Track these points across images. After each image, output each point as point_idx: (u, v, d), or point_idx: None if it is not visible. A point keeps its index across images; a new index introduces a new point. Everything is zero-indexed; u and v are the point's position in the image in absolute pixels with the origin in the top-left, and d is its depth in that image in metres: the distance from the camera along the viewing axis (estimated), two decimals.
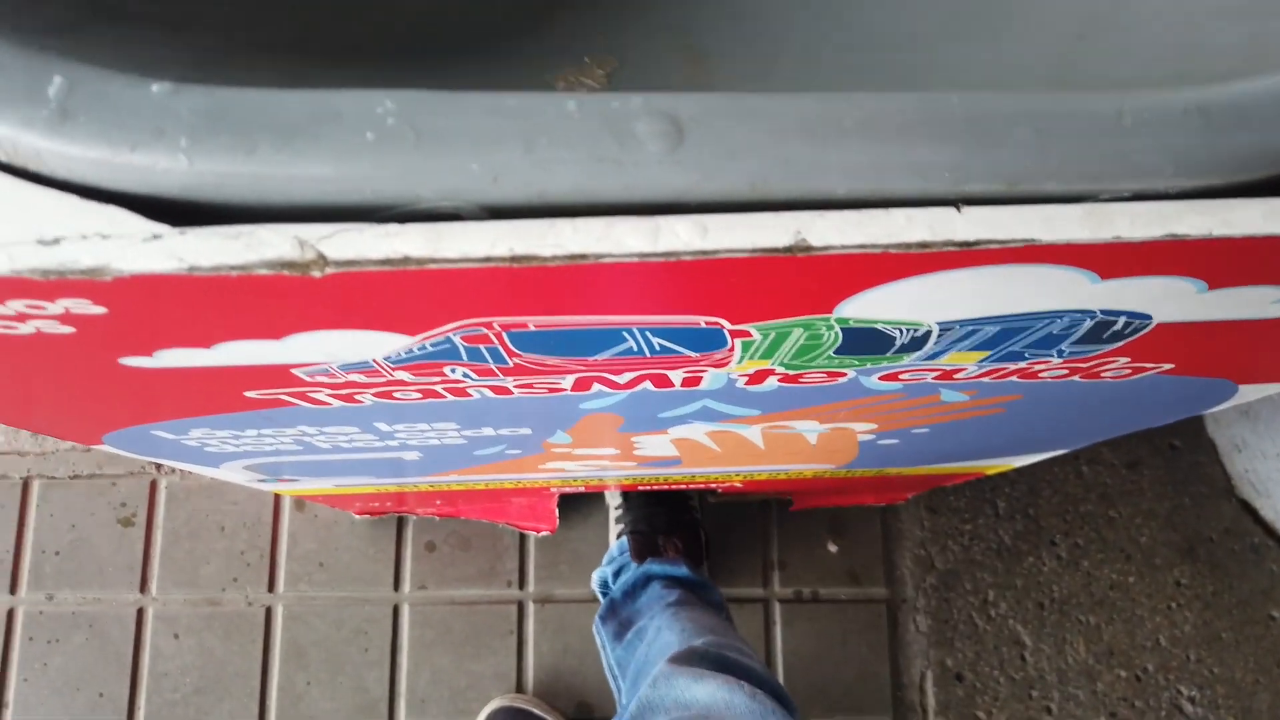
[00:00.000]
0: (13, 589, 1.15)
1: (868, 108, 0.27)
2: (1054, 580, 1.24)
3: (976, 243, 0.28)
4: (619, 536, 1.08)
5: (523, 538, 1.20)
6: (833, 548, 1.23)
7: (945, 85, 0.40)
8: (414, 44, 0.40)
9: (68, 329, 0.31)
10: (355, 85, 0.36)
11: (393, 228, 0.27)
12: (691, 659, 0.74)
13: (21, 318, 0.30)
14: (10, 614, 1.14)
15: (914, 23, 0.43)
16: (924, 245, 0.28)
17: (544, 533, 1.18)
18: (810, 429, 0.64)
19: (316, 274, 0.27)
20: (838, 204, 0.28)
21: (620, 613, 0.95)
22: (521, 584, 1.18)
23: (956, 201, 0.28)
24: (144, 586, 1.15)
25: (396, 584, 1.17)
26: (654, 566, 0.97)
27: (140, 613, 1.14)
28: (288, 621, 1.15)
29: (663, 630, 0.84)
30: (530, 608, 1.17)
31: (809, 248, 0.27)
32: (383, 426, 0.55)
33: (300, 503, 1.18)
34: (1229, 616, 1.24)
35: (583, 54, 0.41)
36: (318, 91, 0.27)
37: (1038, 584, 1.24)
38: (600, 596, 1.04)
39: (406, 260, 0.27)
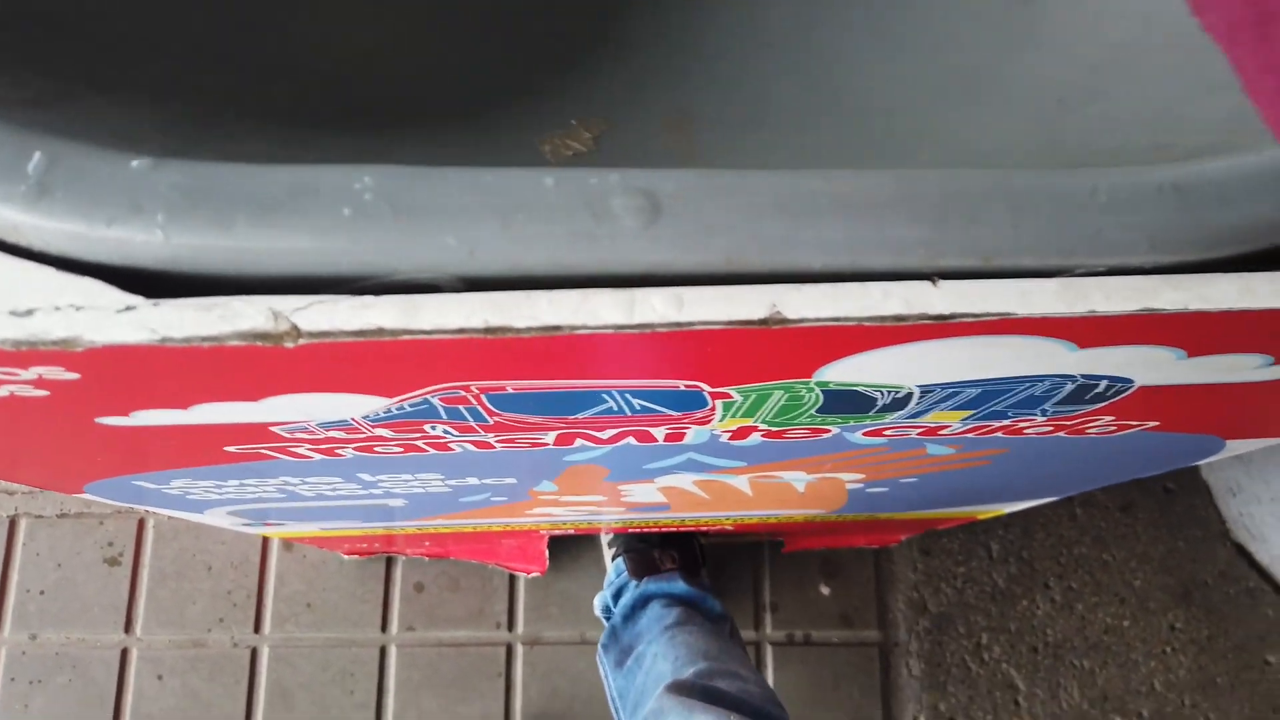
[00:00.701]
0: None
1: (842, 185, 0.27)
2: (1048, 624, 1.23)
3: (952, 316, 0.28)
4: (614, 558, 1.08)
5: (512, 579, 1.19)
6: (825, 590, 1.22)
7: (928, 151, 0.40)
8: (403, 109, 0.40)
9: (41, 392, 0.31)
10: (345, 152, 0.36)
11: (367, 300, 0.27)
12: (681, 691, 0.74)
13: None
14: None
15: (897, 90, 0.43)
16: (899, 319, 0.28)
17: (534, 574, 1.17)
18: (798, 478, 0.64)
19: (290, 344, 0.27)
20: (813, 277, 0.28)
21: (621, 639, 0.95)
22: (510, 626, 1.17)
23: (932, 275, 0.28)
24: (129, 627, 1.14)
25: (384, 625, 1.16)
26: (651, 586, 0.97)
27: (124, 653, 1.13)
28: (273, 663, 1.13)
29: (659, 658, 0.84)
30: (519, 650, 1.16)
31: (784, 320, 0.27)
32: (366, 477, 0.54)
33: (288, 543, 1.17)
34: (1224, 661, 1.23)
35: (570, 117, 0.42)
36: (295, 166, 0.27)
37: (1031, 628, 1.23)
38: (603, 620, 1.04)
39: (380, 331, 0.27)
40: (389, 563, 1.18)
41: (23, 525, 1.17)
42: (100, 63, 0.34)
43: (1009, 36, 0.43)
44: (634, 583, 0.99)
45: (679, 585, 0.98)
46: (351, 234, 0.26)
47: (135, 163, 0.26)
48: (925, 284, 0.28)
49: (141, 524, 1.18)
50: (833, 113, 0.44)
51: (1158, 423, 0.47)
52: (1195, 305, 0.28)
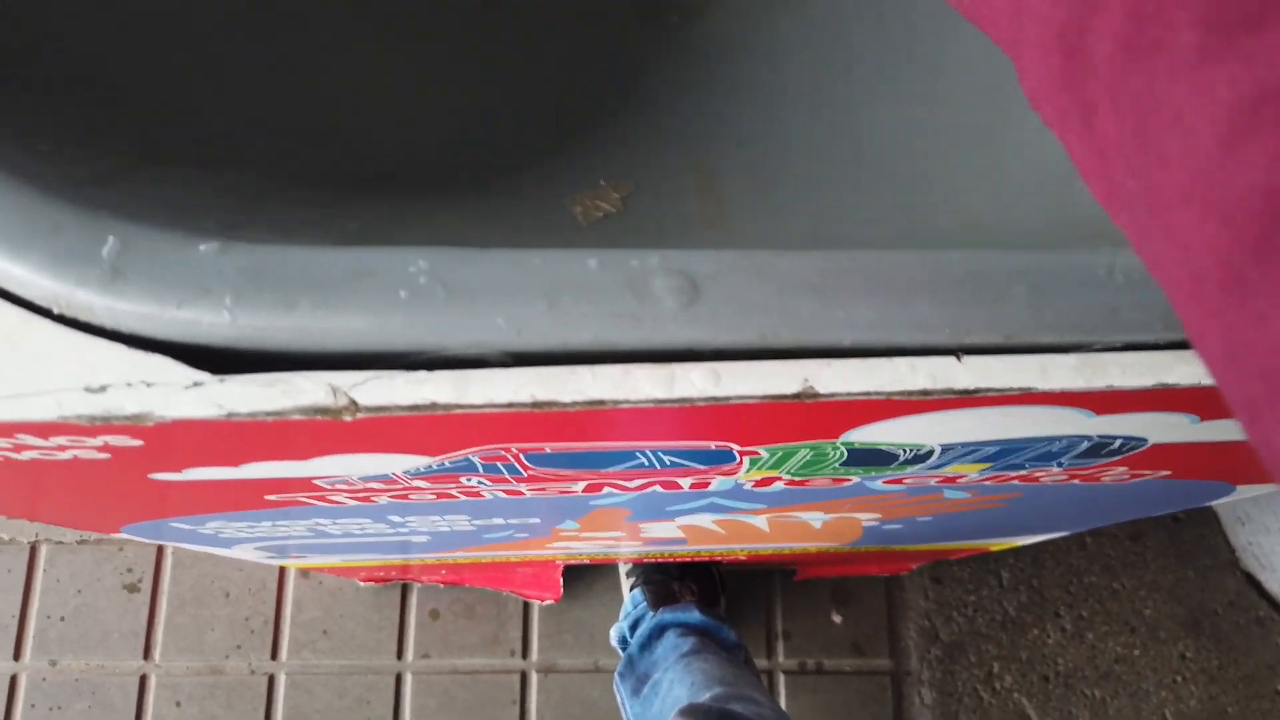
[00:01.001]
0: (16, 655, 1.15)
1: (871, 266, 0.29)
2: (1059, 653, 1.24)
3: (976, 391, 0.29)
4: (632, 589, 1.09)
5: (526, 606, 1.20)
6: (837, 618, 1.23)
7: (945, 214, 0.42)
8: (438, 170, 0.42)
9: (104, 455, 0.32)
10: (385, 215, 0.38)
11: (421, 375, 0.28)
12: (696, 714, 0.75)
13: (61, 449, 0.31)
14: (13, 680, 1.14)
15: (912, 145, 0.45)
16: (925, 393, 0.29)
17: (548, 601, 1.18)
18: (815, 517, 0.65)
19: (348, 418, 0.28)
20: (843, 352, 0.29)
21: (638, 667, 0.96)
22: (525, 653, 1.18)
23: (957, 351, 0.30)
24: (147, 653, 1.15)
25: (400, 652, 1.17)
26: (667, 615, 0.98)
27: (143, 680, 1.14)
28: (290, 690, 1.14)
29: (675, 684, 0.85)
30: (533, 678, 1.17)
31: (816, 395, 0.29)
32: (395, 518, 0.56)
33: (305, 570, 1.19)
34: (1235, 691, 1.23)
35: (599, 176, 0.43)
36: (354, 250, 0.28)
37: (1042, 656, 1.23)
38: (620, 651, 1.05)
39: (434, 406, 0.28)
40: (404, 589, 1.19)
41: (43, 551, 1.19)
42: (153, 135, 0.35)
43: (1021, 96, 0.44)
44: (651, 613, 1.01)
45: (694, 615, 0.99)
46: (407, 314, 0.28)
47: (203, 247, 0.28)
48: (950, 359, 0.29)
49: (161, 550, 1.19)
50: (851, 170, 0.45)
51: (1170, 472, 0.48)
52: (1208, 380, 0.29)
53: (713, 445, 0.36)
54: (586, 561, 1.04)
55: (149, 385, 0.28)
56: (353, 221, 0.36)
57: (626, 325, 0.28)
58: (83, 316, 0.28)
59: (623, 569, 1.15)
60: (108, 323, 0.28)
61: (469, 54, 0.47)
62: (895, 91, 0.47)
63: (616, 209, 0.42)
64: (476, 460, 0.37)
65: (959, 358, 0.29)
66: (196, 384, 0.28)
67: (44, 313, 0.28)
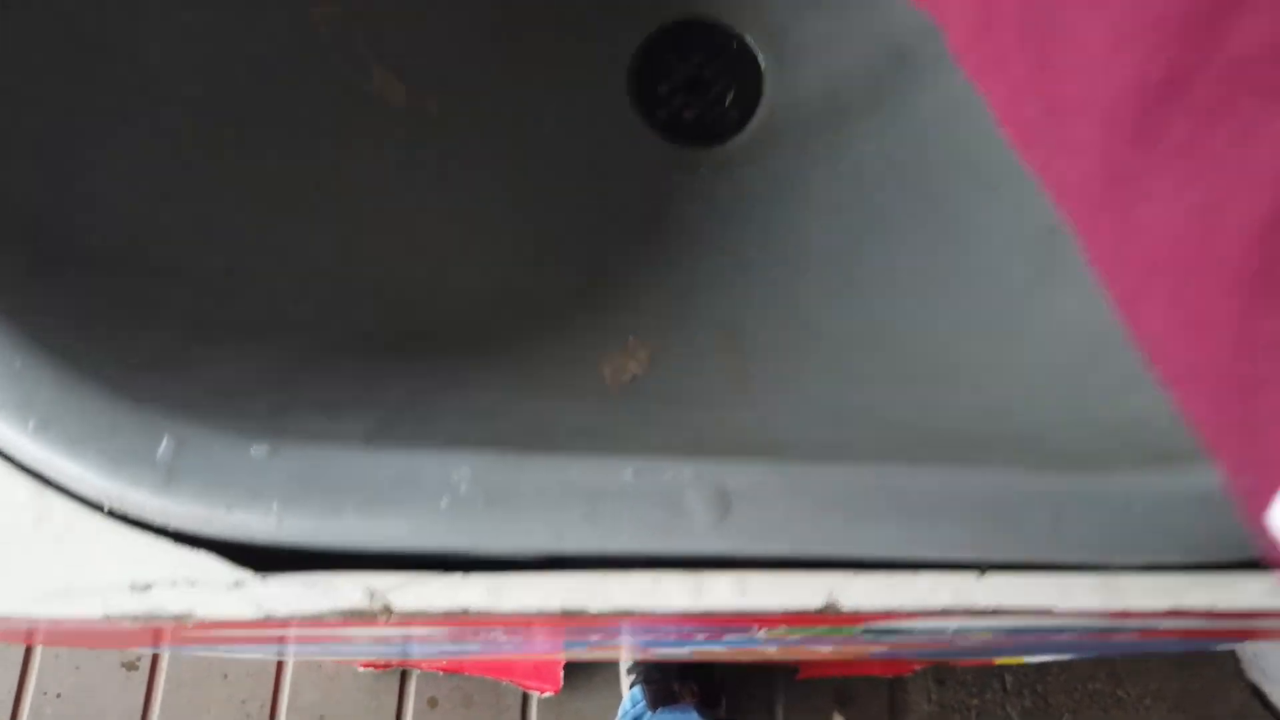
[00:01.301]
0: None
1: (897, 483, 0.30)
2: None
3: (995, 610, 0.30)
4: (631, 687, 1.08)
5: (525, 696, 1.19)
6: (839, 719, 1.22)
7: (964, 386, 0.43)
8: (470, 328, 0.43)
9: (139, 630, 0.33)
10: (420, 376, 0.39)
11: (455, 579, 0.29)
12: None
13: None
14: None
15: (935, 317, 0.46)
16: (946, 610, 0.30)
17: (547, 693, 1.17)
18: (825, 647, 0.65)
19: (383, 620, 0.29)
20: (868, 564, 0.30)
21: None
22: None
23: (978, 565, 0.30)
24: None
25: None
26: (666, 717, 0.97)
27: None
28: None
29: None
30: None
31: (839, 610, 0.30)
32: (411, 645, 0.56)
33: None
34: None
35: (627, 332, 0.45)
36: (400, 454, 0.29)
37: None
38: None
39: (466, 612, 0.29)
40: (403, 676, 1.18)
41: None
42: (201, 308, 0.36)
43: (1039, 271, 0.46)
44: (650, 713, 1.00)
45: (694, 717, 0.98)
46: (448, 521, 0.29)
47: (254, 449, 0.29)
48: (971, 576, 0.30)
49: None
50: (874, 337, 0.46)
51: (1181, 636, 0.49)
52: (1223, 604, 0.30)
53: (735, 628, 0.37)
54: (587, 659, 1.03)
55: (192, 584, 0.28)
56: (391, 393, 0.37)
57: (660, 536, 0.29)
58: (132, 513, 0.29)
59: (623, 665, 1.14)
60: (156, 519, 0.29)
61: (500, 209, 0.48)
62: (918, 256, 0.48)
63: (643, 369, 0.43)
64: (500, 629, 0.38)
65: (981, 572, 0.30)
66: (238, 583, 0.28)
67: (94, 507, 0.29)
